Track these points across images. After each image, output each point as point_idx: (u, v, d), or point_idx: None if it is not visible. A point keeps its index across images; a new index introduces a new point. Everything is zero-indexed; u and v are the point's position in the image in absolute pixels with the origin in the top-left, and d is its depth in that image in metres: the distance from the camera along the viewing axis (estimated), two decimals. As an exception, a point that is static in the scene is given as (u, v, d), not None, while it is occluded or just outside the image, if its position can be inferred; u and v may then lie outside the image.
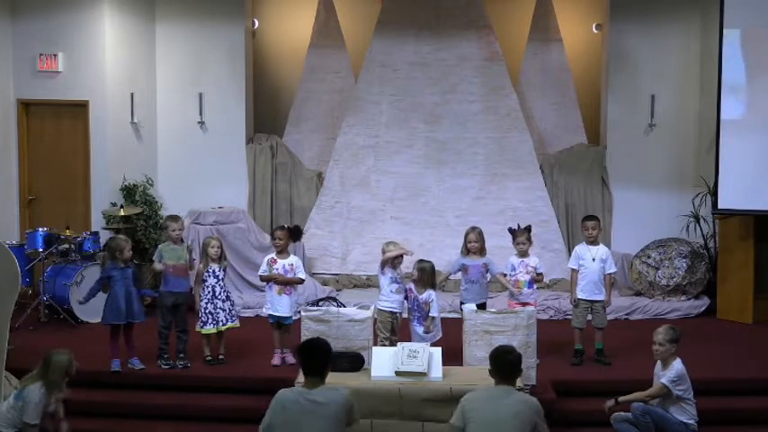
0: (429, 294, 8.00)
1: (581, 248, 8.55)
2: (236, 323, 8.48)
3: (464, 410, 5.74)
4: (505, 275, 8.43)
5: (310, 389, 5.66)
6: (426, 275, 8.06)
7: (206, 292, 8.33)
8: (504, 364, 5.93)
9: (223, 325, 8.35)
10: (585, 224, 8.58)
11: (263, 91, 12.55)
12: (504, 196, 11.57)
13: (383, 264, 8.21)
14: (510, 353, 6.02)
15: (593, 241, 8.51)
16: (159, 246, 8.48)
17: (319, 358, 5.77)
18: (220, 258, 8.42)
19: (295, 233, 8.56)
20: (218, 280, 8.39)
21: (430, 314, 7.99)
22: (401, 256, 8.20)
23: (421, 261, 8.17)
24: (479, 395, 5.86)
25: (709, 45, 10.77)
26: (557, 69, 12.25)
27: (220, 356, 8.40)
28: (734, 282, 10.22)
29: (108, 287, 8.05)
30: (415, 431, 6.74)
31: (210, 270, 8.38)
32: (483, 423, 5.66)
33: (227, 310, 8.39)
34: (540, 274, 8.45)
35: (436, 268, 8.38)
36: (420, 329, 8.00)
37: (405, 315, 8.31)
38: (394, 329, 8.17)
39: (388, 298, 8.17)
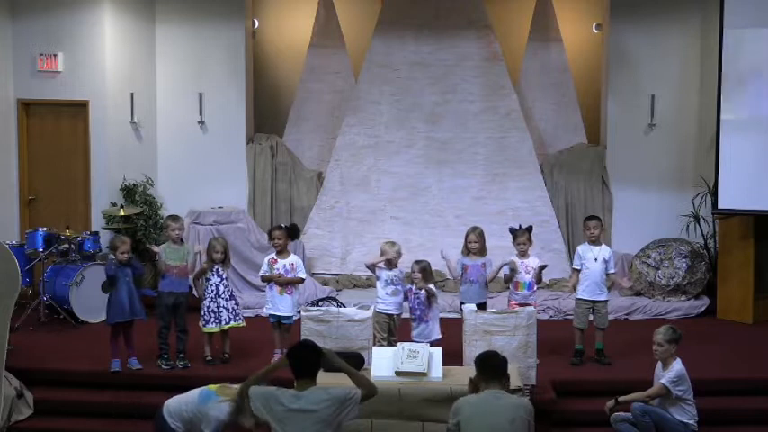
0: (428, 286, 8.00)
1: (583, 248, 8.54)
2: (241, 323, 8.49)
3: (458, 411, 5.66)
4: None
5: (301, 390, 5.66)
6: (428, 274, 8.08)
7: (209, 291, 8.34)
8: (491, 367, 5.82)
9: (226, 324, 8.36)
10: (587, 224, 8.58)
11: (263, 91, 12.55)
12: (504, 196, 11.57)
13: (368, 268, 8.34)
14: (495, 356, 5.93)
15: (594, 241, 8.51)
16: (161, 246, 8.48)
17: (309, 360, 5.77)
18: (224, 262, 8.44)
19: (293, 231, 8.56)
20: (222, 279, 8.40)
21: (435, 301, 8.00)
22: (396, 256, 8.20)
23: (419, 262, 8.15)
24: (472, 401, 5.75)
25: (710, 45, 10.77)
26: (557, 69, 12.25)
27: (225, 354, 8.41)
28: (734, 282, 10.22)
29: (108, 288, 8.05)
30: (415, 431, 6.74)
31: (214, 269, 8.39)
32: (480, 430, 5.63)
33: (231, 309, 8.39)
34: (545, 265, 8.44)
35: (435, 268, 8.39)
36: (420, 330, 7.99)
37: (405, 315, 8.32)
38: (391, 330, 8.17)
39: (383, 300, 8.18)
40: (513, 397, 5.87)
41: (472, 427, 5.57)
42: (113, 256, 8.06)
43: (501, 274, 8.60)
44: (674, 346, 6.96)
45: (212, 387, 6.28)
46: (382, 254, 8.24)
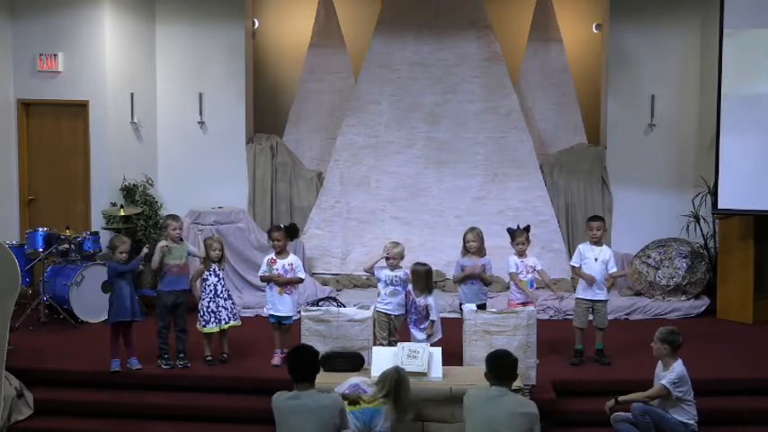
0: (426, 299, 7.99)
1: (584, 248, 8.53)
2: (238, 322, 8.50)
3: (463, 408, 5.82)
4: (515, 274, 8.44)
5: (300, 392, 5.69)
6: (420, 279, 8.03)
7: (207, 291, 8.33)
8: (501, 367, 5.96)
9: (225, 323, 8.36)
10: (590, 224, 8.57)
11: (263, 91, 12.54)
12: (504, 196, 11.56)
13: (366, 271, 8.36)
14: (507, 357, 6.05)
15: (596, 242, 8.51)
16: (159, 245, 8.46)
17: (307, 364, 5.79)
18: (221, 260, 8.43)
19: (291, 231, 8.55)
20: (219, 279, 8.39)
21: (430, 318, 7.98)
22: (395, 258, 8.19)
23: (416, 264, 8.14)
24: (478, 394, 5.93)
25: (710, 45, 10.77)
26: (557, 69, 12.24)
27: (224, 354, 8.41)
28: (734, 282, 10.22)
29: (109, 288, 8.04)
30: (415, 431, 6.74)
31: (211, 269, 8.38)
32: (480, 421, 5.71)
33: (229, 309, 8.39)
34: (541, 270, 8.45)
35: (436, 268, 8.37)
36: (418, 334, 7.98)
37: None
38: (391, 331, 8.16)
39: (382, 300, 8.17)
40: (518, 396, 5.99)
41: (474, 414, 5.82)
42: (116, 264, 8.05)
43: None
44: (667, 348, 6.93)
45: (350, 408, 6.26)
46: (388, 251, 8.24)
